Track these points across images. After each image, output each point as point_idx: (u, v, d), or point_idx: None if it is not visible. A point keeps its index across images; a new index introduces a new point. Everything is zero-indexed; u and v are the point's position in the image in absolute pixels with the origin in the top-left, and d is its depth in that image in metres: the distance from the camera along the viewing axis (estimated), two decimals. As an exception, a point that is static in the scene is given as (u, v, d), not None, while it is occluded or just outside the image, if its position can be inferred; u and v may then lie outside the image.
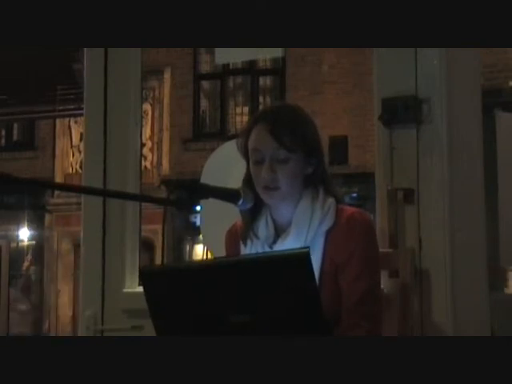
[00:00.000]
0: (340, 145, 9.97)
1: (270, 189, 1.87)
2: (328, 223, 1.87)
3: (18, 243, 11.50)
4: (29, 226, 11.75)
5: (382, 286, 2.00)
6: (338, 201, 1.92)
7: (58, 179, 11.43)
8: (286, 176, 1.87)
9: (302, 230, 1.86)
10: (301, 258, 1.56)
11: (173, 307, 1.64)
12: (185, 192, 1.72)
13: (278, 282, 1.56)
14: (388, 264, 2.19)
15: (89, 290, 2.78)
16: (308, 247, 1.61)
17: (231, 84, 11.32)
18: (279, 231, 1.92)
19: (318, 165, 1.92)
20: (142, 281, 1.67)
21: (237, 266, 1.63)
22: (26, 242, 11.83)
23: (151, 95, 11.25)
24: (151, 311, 1.64)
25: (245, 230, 1.95)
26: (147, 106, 11.06)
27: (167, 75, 11.30)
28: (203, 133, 11.19)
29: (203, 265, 1.75)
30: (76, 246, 11.29)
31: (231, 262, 1.70)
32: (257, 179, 1.89)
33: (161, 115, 11.35)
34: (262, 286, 1.57)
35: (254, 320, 1.57)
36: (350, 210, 1.90)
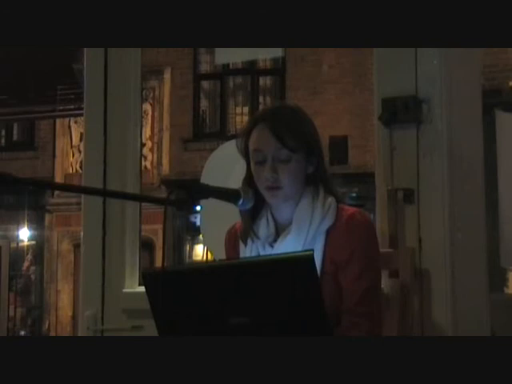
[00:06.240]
0: (340, 145, 9.97)
1: (273, 189, 1.87)
2: (328, 222, 1.87)
3: (17, 243, 11.50)
4: (29, 226, 11.75)
5: (382, 286, 1.99)
6: (338, 200, 1.92)
7: (58, 179, 11.43)
8: (287, 176, 1.87)
9: (303, 229, 1.87)
10: (305, 261, 1.56)
11: (175, 309, 1.64)
12: (185, 192, 1.72)
13: (282, 284, 1.57)
14: (388, 264, 2.19)
15: (89, 290, 2.78)
16: (312, 250, 1.62)
17: (231, 84, 11.33)
18: (280, 230, 1.93)
19: (318, 164, 1.93)
20: (144, 283, 1.68)
21: (239, 269, 1.64)
22: (26, 242, 11.84)
23: (151, 95, 11.25)
24: (154, 313, 1.64)
25: (245, 230, 1.96)
26: (147, 106, 11.06)
27: (167, 75, 11.31)
28: (203, 133, 11.19)
29: (205, 267, 1.75)
30: (76, 246, 11.30)
31: (234, 265, 1.70)
32: (259, 180, 1.89)
33: (161, 115, 11.36)
34: (265, 289, 1.57)
35: (256, 322, 1.57)
36: (350, 209, 1.90)
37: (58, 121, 11.55)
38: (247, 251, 1.95)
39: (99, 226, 2.76)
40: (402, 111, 2.38)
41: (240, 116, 11.05)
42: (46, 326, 11.58)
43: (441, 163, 2.36)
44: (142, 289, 1.67)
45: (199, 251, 10.76)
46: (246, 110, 11.08)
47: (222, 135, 10.48)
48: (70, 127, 11.70)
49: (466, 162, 2.37)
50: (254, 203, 1.89)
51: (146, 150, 10.86)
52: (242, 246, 1.98)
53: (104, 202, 2.75)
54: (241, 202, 1.85)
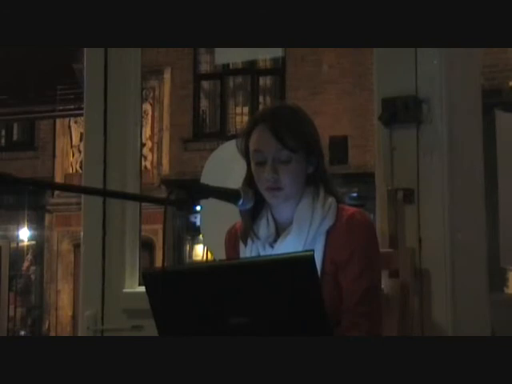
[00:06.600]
0: (340, 145, 9.97)
1: (274, 189, 1.87)
2: (329, 222, 1.87)
3: (17, 243, 11.50)
4: (29, 226, 11.75)
5: (382, 286, 1.99)
6: (339, 200, 1.92)
7: (58, 179, 11.44)
8: (288, 176, 1.87)
9: (303, 229, 1.87)
10: (305, 261, 1.56)
11: (175, 309, 1.64)
12: (185, 192, 1.72)
13: (282, 285, 1.57)
14: (388, 264, 2.19)
15: (89, 290, 2.78)
16: (312, 250, 1.62)
17: (231, 84, 11.33)
18: (280, 230, 1.92)
19: (318, 164, 1.93)
20: (144, 283, 1.68)
21: (239, 269, 1.64)
22: (25, 242, 11.84)
23: (151, 95, 11.25)
24: (154, 313, 1.64)
25: (245, 230, 1.96)
26: (147, 106, 11.06)
27: (167, 75, 11.31)
28: (203, 133, 11.20)
29: (205, 267, 1.75)
30: (76, 246, 11.30)
31: (234, 265, 1.70)
32: (259, 180, 1.89)
33: (161, 115, 11.36)
34: (265, 289, 1.57)
35: (256, 322, 1.57)
36: (350, 209, 1.90)
37: (58, 121, 11.55)
38: (247, 251, 1.95)
39: (99, 226, 2.76)
40: (402, 111, 2.38)
41: (240, 116, 11.05)
42: (46, 326, 11.58)
43: (441, 163, 2.36)
44: (142, 289, 1.67)
45: (199, 251, 10.76)
46: (246, 109, 11.08)
47: (222, 135, 10.48)
48: (70, 127, 11.71)
49: (466, 162, 2.37)
50: (254, 203, 1.89)
51: (146, 150, 10.86)
52: (242, 246, 1.98)
53: (104, 202, 2.75)
54: (241, 202, 1.85)
